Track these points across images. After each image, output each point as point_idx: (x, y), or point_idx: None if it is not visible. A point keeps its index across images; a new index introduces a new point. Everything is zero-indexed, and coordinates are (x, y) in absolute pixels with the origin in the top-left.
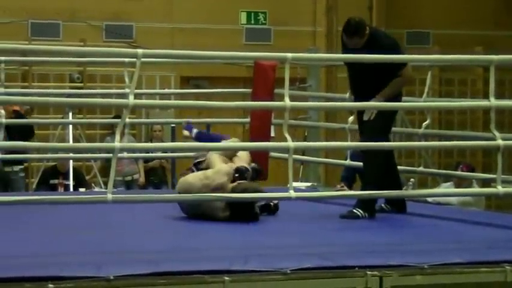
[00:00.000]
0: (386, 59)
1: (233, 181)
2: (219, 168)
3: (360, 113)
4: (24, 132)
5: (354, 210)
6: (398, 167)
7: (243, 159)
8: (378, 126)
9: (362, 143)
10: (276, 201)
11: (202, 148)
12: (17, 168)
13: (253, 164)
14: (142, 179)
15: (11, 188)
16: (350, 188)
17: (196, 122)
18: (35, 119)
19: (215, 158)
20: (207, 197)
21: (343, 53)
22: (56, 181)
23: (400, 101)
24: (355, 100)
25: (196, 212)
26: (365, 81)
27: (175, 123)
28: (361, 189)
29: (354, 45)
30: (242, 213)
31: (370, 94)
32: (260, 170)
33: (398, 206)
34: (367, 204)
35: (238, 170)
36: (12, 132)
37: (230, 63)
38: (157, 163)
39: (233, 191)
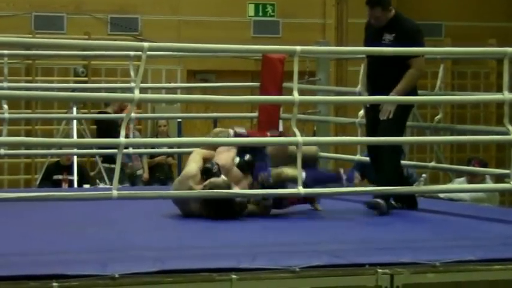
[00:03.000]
0: (399, 51)
1: (205, 180)
2: (184, 172)
3: (371, 108)
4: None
5: (378, 200)
6: (410, 162)
7: (224, 155)
8: (394, 124)
9: (371, 137)
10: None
11: (209, 143)
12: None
13: (247, 157)
14: (146, 175)
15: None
16: (365, 173)
17: (202, 117)
18: (39, 114)
19: (191, 157)
20: (209, 194)
21: (365, 36)
22: (59, 176)
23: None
24: (370, 94)
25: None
26: (381, 69)
27: (182, 118)
28: (377, 185)
29: (376, 18)
30: (220, 212)
31: (385, 85)
32: (251, 161)
33: (409, 202)
34: (387, 197)
35: (204, 170)
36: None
37: (237, 57)
38: (163, 159)
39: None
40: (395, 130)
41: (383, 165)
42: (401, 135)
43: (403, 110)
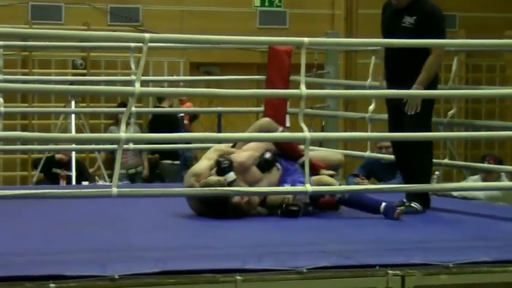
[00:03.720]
0: (411, 43)
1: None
2: (191, 168)
3: (394, 101)
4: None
5: (412, 205)
6: None
7: (245, 153)
8: (421, 119)
9: (382, 133)
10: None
11: (214, 139)
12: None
13: (268, 155)
14: (146, 172)
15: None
16: (373, 174)
17: (206, 112)
18: (35, 108)
19: (205, 154)
20: (219, 192)
21: (382, 18)
22: (58, 171)
23: (436, 87)
24: (389, 87)
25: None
26: (400, 56)
27: (184, 112)
28: (406, 183)
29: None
30: (215, 212)
31: (404, 74)
32: (271, 161)
33: (421, 201)
34: (421, 197)
35: (216, 163)
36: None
37: (243, 49)
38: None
39: None
40: (423, 125)
41: (411, 167)
42: (430, 125)
43: (429, 102)
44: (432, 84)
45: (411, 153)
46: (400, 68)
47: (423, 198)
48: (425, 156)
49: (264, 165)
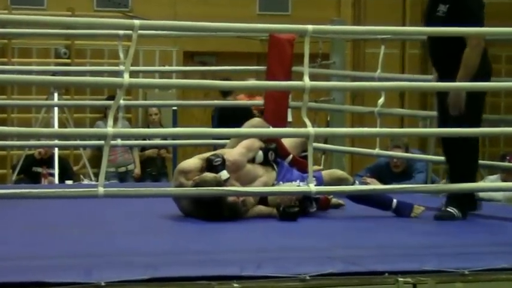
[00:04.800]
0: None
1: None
2: (178, 166)
3: (442, 95)
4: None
5: (449, 209)
6: (437, 157)
7: (238, 150)
8: (467, 119)
9: (392, 129)
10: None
11: (209, 134)
12: None
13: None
14: (138, 170)
15: None
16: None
17: (201, 105)
18: (15, 100)
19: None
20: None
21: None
22: (39, 169)
23: (488, 78)
24: (437, 80)
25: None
26: (438, 47)
27: (177, 106)
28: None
29: None
30: (209, 213)
31: (446, 65)
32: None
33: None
34: (461, 202)
35: (206, 160)
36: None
37: (241, 37)
38: (156, 152)
39: None
40: (467, 123)
41: (453, 168)
42: (479, 125)
43: (475, 100)
44: (482, 78)
45: (450, 154)
46: (439, 60)
47: (464, 202)
48: (464, 156)
49: (289, 215)
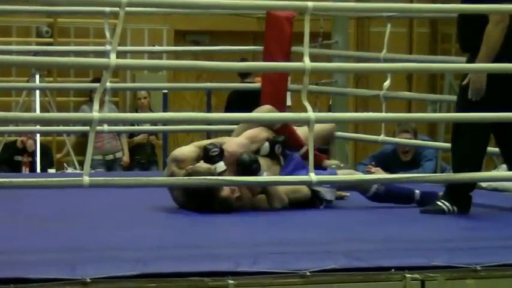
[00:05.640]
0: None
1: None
2: (171, 154)
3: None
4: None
5: (439, 203)
6: (447, 144)
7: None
8: (481, 104)
9: (399, 114)
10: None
11: (202, 120)
12: None
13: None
14: (126, 158)
15: None
16: (386, 170)
17: (193, 88)
18: None
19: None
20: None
21: None
22: (19, 157)
23: None
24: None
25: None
26: (463, 25)
27: (168, 89)
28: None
29: None
30: (202, 204)
31: (469, 45)
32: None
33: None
34: (456, 196)
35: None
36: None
37: (236, 14)
38: (145, 138)
39: None
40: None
41: (453, 153)
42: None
43: (495, 85)
44: (507, 59)
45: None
46: (463, 38)
47: (460, 197)
48: (466, 143)
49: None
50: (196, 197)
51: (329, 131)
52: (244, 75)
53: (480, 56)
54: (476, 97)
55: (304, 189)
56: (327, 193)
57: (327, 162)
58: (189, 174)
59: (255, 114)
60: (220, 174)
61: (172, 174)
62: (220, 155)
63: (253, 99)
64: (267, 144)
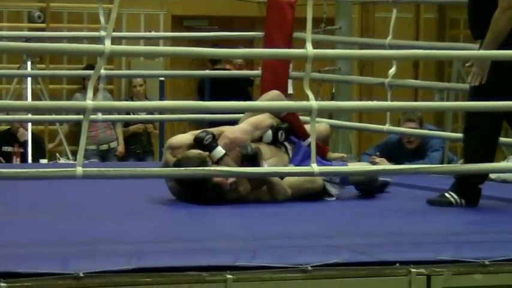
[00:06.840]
0: None
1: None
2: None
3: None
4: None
5: (446, 195)
6: (455, 134)
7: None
8: (485, 91)
9: (404, 103)
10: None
11: (200, 108)
12: None
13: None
14: (121, 148)
15: None
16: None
17: (191, 76)
18: None
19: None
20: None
21: None
22: (9, 148)
23: None
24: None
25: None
26: (472, 10)
27: (165, 76)
28: None
29: None
30: (194, 192)
31: (479, 31)
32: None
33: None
34: (465, 188)
35: (195, 139)
36: None
37: None
38: (141, 128)
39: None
40: (486, 99)
41: (466, 143)
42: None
43: (499, 72)
44: (507, 46)
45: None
46: (474, 25)
47: (469, 190)
48: (480, 134)
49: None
50: (187, 184)
51: (325, 135)
52: (215, 61)
53: (486, 43)
54: (475, 82)
55: (320, 180)
56: (333, 187)
57: (332, 155)
58: (179, 161)
59: (255, 103)
60: (220, 159)
61: (166, 162)
62: (214, 140)
63: (225, 85)
64: (270, 132)
